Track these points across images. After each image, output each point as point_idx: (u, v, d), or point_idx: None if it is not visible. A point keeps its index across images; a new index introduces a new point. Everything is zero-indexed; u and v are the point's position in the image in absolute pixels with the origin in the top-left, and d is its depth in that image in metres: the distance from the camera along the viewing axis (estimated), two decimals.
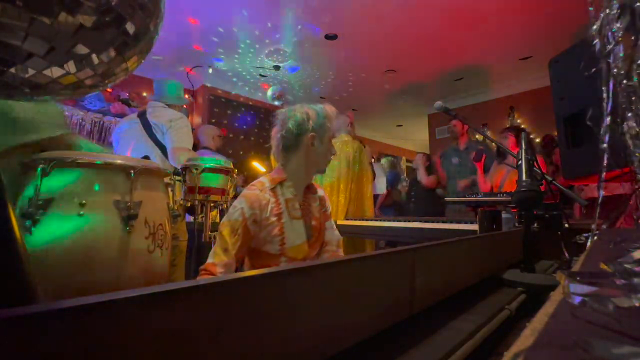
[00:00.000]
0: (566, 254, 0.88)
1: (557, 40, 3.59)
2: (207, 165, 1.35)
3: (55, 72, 0.32)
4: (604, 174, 0.58)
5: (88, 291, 0.75)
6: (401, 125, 7.11)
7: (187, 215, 1.61)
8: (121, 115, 3.63)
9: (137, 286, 0.22)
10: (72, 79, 0.33)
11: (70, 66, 0.32)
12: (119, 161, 0.83)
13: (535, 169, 0.84)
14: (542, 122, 4.29)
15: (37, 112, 0.82)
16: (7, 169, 0.76)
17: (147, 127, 1.74)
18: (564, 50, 0.99)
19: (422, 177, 3.43)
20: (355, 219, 2.34)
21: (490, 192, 2.26)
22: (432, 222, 1.80)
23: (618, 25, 0.40)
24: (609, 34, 0.43)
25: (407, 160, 8.35)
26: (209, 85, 4.85)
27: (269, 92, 4.58)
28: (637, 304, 0.23)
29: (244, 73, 4.64)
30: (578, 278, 0.28)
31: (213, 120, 4.80)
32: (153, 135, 1.72)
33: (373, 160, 3.77)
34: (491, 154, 2.70)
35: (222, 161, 1.42)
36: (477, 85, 5.07)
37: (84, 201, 0.76)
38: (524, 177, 0.82)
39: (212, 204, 1.39)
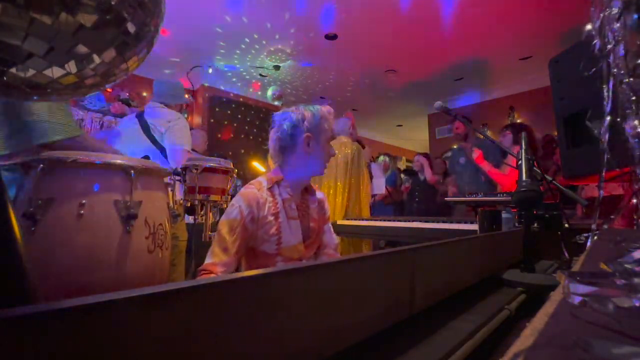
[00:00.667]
0: (566, 254, 0.88)
1: (557, 40, 3.60)
2: (207, 165, 1.35)
3: (55, 72, 0.32)
4: (604, 174, 0.58)
5: (88, 291, 0.75)
6: (401, 125, 7.12)
7: (186, 215, 1.61)
8: (121, 115, 3.64)
9: (137, 286, 0.22)
10: (73, 79, 0.33)
11: (71, 66, 0.32)
12: (119, 161, 0.83)
13: (535, 169, 0.84)
14: (542, 122, 4.29)
15: (51, 114, 0.84)
16: (8, 168, 0.76)
17: (145, 127, 1.74)
18: (564, 50, 1.00)
19: (428, 175, 3.51)
20: (354, 219, 2.34)
21: (492, 193, 2.24)
22: (432, 222, 1.80)
23: (618, 25, 0.40)
24: (609, 33, 0.43)
25: (407, 160, 8.35)
26: (209, 84, 4.86)
27: (269, 92, 4.58)
28: (637, 304, 0.23)
29: (244, 73, 4.64)
30: (578, 278, 0.28)
31: (212, 120, 4.80)
32: (151, 136, 1.73)
33: (371, 160, 3.77)
34: (494, 152, 2.66)
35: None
36: (477, 85, 5.08)
37: (84, 201, 0.76)
38: (524, 177, 0.82)
39: (212, 204, 1.40)
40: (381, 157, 4.22)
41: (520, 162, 0.83)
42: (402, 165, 7.82)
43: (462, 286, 0.64)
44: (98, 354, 0.19)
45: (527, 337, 0.20)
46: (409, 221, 1.92)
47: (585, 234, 0.68)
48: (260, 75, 4.65)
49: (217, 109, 4.88)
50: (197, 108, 4.89)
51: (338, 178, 2.50)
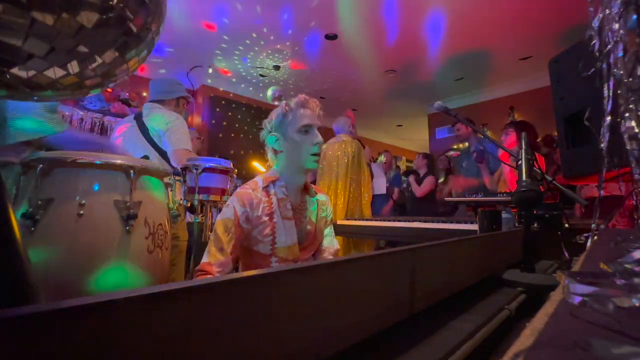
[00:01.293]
0: (566, 254, 0.88)
1: (557, 40, 3.60)
2: (207, 165, 1.35)
3: (56, 72, 0.32)
4: (604, 174, 0.58)
5: (88, 291, 0.75)
6: (401, 125, 7.12)
7: (188, 213, 1.61)
8: (121, 115, 3.65)
9: (137, 286, 0.22)
10: (73, 79, 0.33)
11: (71, 67, 0.32)
12: (119, 161, 0.83)
13: (535, 169, 0.84)
14: (542, 122, 4.29)
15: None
16: (7, 168, 0.76)
17: (143, 129, 1.73)
18: (564, 50, 1.00)
19: (415, 189, 3.48)
20: (355, 219, 2.34)
21: (493, 192, 2.24)
22: (432, 222, 1.80)
23: (617, 25, 0.41)
24: (609, 33, 0.43)
25: (407, 160, 8.36)
26: (209, 84, 4.86)
27: (269, 93, 4.58)
28: (637, 304, 0.23)
29: (244, 73, 4.64)
30: (578, 278, 0.28)
31: (213, 121, 4.81)
32: (150, 138, 1.72)
33: (372, 160, 3.77)
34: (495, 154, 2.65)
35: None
36: (477, 86, 5.08)
37: (84, 201, 0.76)
38: (524, 177, 0.81)
39: (212, 204, 1.40)
40: (381, 157, 4.22)
41: (520, 162, 0.83)
42: (402, 165, 7.82)
43: (462, 286, 0.64)
44: (98, 354, 0.19)
45: (527, 337, 0.20)
46: (409, 221, 1.92)
47: (585, 234, 0.68)
48: (261, 75, 4.65)
49: (217, 109, 4.88)
50: (197, 108, 4.90)
51: (339, 177, 2.49)
